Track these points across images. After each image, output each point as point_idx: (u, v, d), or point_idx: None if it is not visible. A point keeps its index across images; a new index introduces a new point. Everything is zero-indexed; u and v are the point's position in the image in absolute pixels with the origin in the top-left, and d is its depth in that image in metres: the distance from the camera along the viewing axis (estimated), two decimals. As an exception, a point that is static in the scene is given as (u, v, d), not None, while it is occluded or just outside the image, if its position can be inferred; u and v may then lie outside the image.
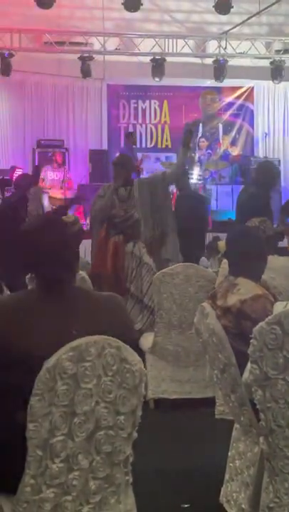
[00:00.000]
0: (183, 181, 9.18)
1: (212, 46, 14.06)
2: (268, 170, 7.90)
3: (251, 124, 15.31)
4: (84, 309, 2.70)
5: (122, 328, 2.68)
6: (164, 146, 14.97)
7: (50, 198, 12.55)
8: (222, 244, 6.26)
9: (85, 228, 10.45)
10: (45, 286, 2.73)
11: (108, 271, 6.35)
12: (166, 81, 13.91)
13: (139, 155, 13.66)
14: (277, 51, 14.03)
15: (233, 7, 11.88)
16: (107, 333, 2.53)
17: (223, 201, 13.60)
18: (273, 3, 12.05)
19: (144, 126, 14.93)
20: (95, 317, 2.67)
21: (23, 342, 2.54)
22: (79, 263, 2.96)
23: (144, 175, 12.70)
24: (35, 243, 2.76)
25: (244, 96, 15.19)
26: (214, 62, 13.75)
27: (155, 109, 14.93)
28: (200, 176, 13.87)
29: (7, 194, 11.32)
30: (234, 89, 15.07)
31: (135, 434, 2.61)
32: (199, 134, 14.89)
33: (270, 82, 14.43)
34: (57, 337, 2.50)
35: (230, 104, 15.17)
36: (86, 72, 13.30)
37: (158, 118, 14.96)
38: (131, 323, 2.86)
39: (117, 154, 12.27)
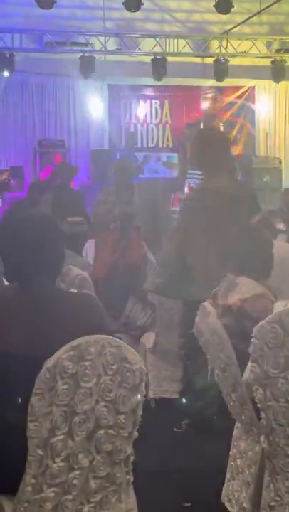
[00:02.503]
0: None
1: (213, 46, 14.06)
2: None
3: (252, 124, 15.31)
4: (56, 309, 2.67)
5: (95, 327, 2.63)
6: (165, 145, 14.96)
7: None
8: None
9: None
10: (17, 283, 2.71)
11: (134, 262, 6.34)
12: (167, 81, 13.89)
13: (141, 155, 13.67)
14: (278, 50, 14.02)
15: (233, 6, 11.87)
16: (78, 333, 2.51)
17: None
18: (274, 3, 12.03)
19: (145, 125, 14.92)
20: (67, 317, 2.65)
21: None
22: (62, 263, 2.86)
23: (144, 174, 12.71)
24: (10, 238, 2.74)
25: (245, 95, 15.18)
26: (215, 61, 13.73)
27: (156, 109, 14.92)
28: (201, 174, 13.86)
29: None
30: (235, 88, 15.05)
31: (136, 433, 2.61)
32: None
33: (271, 81, 14.42)
34: (29, 336, 2.52)
35: (231, 104, 15.15)
36: (87, 72, 13.29)
37: (159, 118, 14.95)
38: (106, 321, 2.80)
39: (117, 159, 12.28)
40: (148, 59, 13.53)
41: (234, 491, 3.36)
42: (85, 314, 2.66)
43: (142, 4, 11.69)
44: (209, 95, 14.94)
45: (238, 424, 3.46)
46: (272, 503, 2.92)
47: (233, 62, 13.82)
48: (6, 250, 2.71)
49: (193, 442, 4.75)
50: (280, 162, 14.34)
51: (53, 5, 11.37)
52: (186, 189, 12.76)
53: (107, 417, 2.50)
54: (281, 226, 10.39)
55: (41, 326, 2.58)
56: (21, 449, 2.43)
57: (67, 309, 2.66)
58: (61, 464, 2.44)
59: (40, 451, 2.42)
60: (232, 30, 13.52)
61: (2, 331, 2.57)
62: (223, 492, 3.48)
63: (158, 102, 14.86)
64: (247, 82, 15.02)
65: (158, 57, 13.45)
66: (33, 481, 2.43)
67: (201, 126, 14.56)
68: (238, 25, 13.26)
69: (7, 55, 12.91)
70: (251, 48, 13.78)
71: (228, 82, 14.16)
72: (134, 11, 11.90)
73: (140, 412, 2.59)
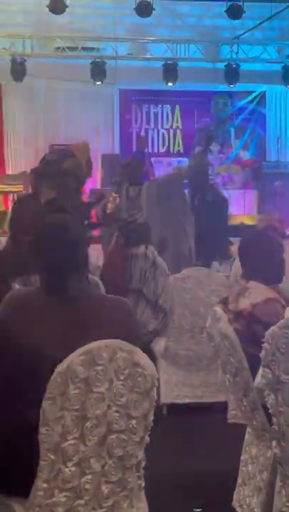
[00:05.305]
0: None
1: (224, 51, 14.07)
2: None
3: (263, 129, 15.31)
4: (90, 312, 2.69)
5: (128, 331, 2.67)
6: (176, 150, 14.98)
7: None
8: (234, 249, 6.25)
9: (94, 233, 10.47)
10: (49, 285, 2.73)
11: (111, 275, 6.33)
12: (178, 86, 13.92)
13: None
14: (289, 55, 14.05)
15: (245, 12, 11.89)
16: (113, 336, 2.53)
17: (235, 205, 13.58)
18: (285, 8, 12.06)
19: (156, 130, 14.94)
20: (101, 320, 2.67)
21: (29, 341, 2.55)
22: (88, 267, 2.91)
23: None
24: (43, 241, 2.77)
25: (256, 100, 15.19)
26: (226, 66, 13.76)
27: (167, 114, 14.95)
28: (211, 180, 13.88)
29: None
30: (246, 93, 15.07)
31: (147, 439, 2.60)
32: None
33: (282, 86, 14.43)
34: (63, 338, 2.53)
35: (242, 109, 15.17)
36: (98, 77, 13.33)
37: (170, 123, 14.97)
38: (138, 327, 2.85)
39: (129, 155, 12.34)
40: (159, 64, 13.56)
41: (245, 497, 3.35)
42: (124, 319, 2.73)
43: (154, 9, 11.72)
44: (220, 100, 14.95)
45: (249, 430, 3.45)
46: (284, 509, 2.90)
47: (244, 67, 13.84)
48: (38, 253, 2.75)
49: (204, 448, 4.74)
50: (291, 167, 14.35)
51: (65, 10, 11.42)
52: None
53: (118, 422, 2.50)
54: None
55: (81, 328, 2.60)
56: (33, 454, 2.43)
57: (107, 312, 2.71)
58: (73, 468, 2.44)
59: (52, 456, 2.41)
60: (243, 36, 13.53)
61: (39, 331, 2.57)
62: (235, 497, 3.47)
63: (169, 107, 14.89)
64: (258, 87, 15.03)
65: (169, 62, 13.48)
66: (44, 485, 2.43)
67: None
68: (249, 30, 13.27)
69: (18, 60, 12.96)
70: (262, 53, 13.79)
71: (238, 87, 14.18)
72: (146, 17, 11.93)
73: (152, 417, 2.59)
